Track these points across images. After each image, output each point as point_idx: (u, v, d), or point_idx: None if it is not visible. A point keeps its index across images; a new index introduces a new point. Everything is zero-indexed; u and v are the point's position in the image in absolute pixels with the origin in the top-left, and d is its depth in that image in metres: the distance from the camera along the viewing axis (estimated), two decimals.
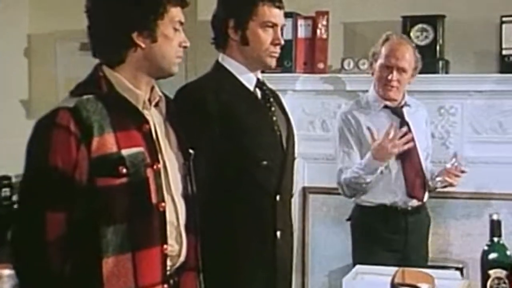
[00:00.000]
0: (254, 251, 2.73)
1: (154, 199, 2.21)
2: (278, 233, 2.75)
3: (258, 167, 2.72)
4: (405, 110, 3.82)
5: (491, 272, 2.36)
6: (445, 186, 3.81)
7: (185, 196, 2.33)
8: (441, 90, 4.55)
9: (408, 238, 3.72)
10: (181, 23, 2.29)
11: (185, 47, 2.30)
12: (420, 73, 4.55)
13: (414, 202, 3.77)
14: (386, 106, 3.79)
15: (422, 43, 4.60)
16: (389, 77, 3.72)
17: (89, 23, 2.27)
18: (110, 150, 2.15)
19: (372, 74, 3.85)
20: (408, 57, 3.75)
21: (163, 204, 2.22)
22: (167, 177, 2.27)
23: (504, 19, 4.49)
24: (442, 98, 4.58)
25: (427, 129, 3.98)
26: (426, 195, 3.86)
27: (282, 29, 2.82)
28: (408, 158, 3.72)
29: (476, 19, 4.63)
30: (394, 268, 2.85)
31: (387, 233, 3.70)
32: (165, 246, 2.22)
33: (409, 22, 4.62)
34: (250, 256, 2.73)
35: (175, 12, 2.26)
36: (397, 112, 3.79)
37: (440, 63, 4.59)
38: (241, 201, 2.72)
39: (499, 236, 2.39)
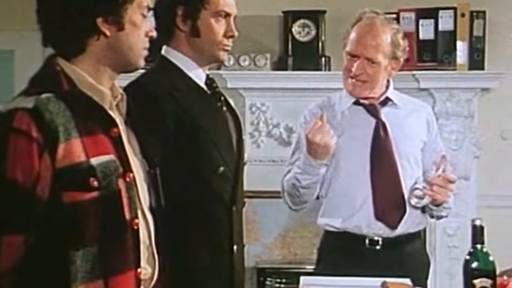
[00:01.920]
0: (210, 267, 2.45)
1: (127, 216, 1.89)
2: (235, 247, 2.49)
3: (214, 174, 2.44)
4: (384, 109, 3.01)
5: (476, 281, 2.22)
6: (436, 205, 2.94)
7: (151, 209, 2.02)
8: (324, 87, 4.42)
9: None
10: (149, 9, 1.97)
11: (151, 36, 1.99)
12: (302, 70, 4.51)
13: (387, 231, 2.93)
14: (358, 103, 3.01)
15: (304, 39, 4.50)
16: (353, 69, 2.93)
17: (40, 4, 1.91)
18: (78, 159, 1.81)
19: None
20: (381, 44, 2.92)
21: (136, 221, 1.91)
22: (137, 189, 1.94)
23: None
24: (326, 95, 4.44)
25: (426, 132, 3.07)
26: (419, 223, 3.00)
27: (235, 20, 2.55)
28: (379, 167, 2.93)
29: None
30: (342, 278, 2.68)
31: (356, 271, 2.65)
32: (139, 269, 1.91)
33: (290, 18, 4.50)
34: (206, 273, 2.45)
35: None
36: (370, 110, 3.00)
37: (323, 59, 4.49)
38: (195, 211, 2.43)
39: (482, 243, 2.24)
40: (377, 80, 2.98)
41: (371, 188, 2.92)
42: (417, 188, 2.91)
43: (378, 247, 2.92)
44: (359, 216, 2.93)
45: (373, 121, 2.99)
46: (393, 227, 2.92)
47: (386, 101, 3.03)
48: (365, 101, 3.01)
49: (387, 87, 3.05)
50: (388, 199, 2.93)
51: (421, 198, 2.89)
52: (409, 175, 2.95)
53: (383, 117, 2.99)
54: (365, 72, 2.94)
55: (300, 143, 3.02)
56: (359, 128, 2.99)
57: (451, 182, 2.87)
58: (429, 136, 3.07)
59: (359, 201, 2.93)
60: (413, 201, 2.92)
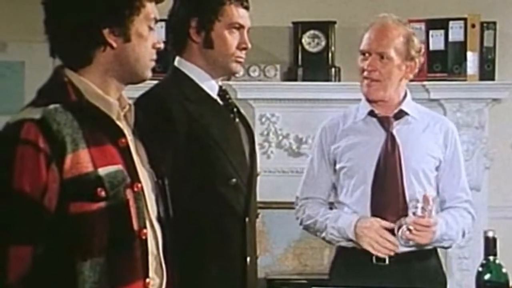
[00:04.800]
0: (222, 279, 2.44)
1: (135, 226, 1.89)
2: (248, 259, 2.48)
3: (226, 186, 2.44)
4: (398, 122, 2.92)
5: None
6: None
7: (159, 220, 2.02)
8: (334, 98, 4.43)
9: None
10: (156, 21, 1.98)
11: (158, 48, 1.99)
12: (312, 80, 4.50)
13: None
14: (373, 114, 2.93)
15: (314, 50, 4.50)
16: (364, 66, 2.86)
17: (47, 16, 1.91)
18: (86, 169, 1.82)
19: None
20: (392, 41, 2.84)
21: (144, 231, 1.91)
22: (145, 199, 1.95)
23: None
24: (336, 106, 4.45)
25: (442, 150, 2.94)
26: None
27: (248, 32, 2.56)
28: (382, 182, 2.86)
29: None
30: None
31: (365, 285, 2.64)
32: (147, 280, 1.91)
33: (300, 28, 4.50)
34: (217, 285, 2.44)
35: (151, 8, 1.95)
36: (383, 122, 2.91)
37: (333, 70, 4.48)
38: (207, 222, 2.43)
39: (495, 254, 2.23)
40: (390, 79, 2.86)
41: (370, 201, 2.86)
42: (400, 227, 2.78)
43: (386, 263, 2.84)
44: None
45: (383, 134, 2.90)
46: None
47: (401, 114, 2.93)
48: (380, 113, 2.92)
49: (404, 99, 2.95)
50: (387, 214, 2.84)
51: (405, 239, 2.78)
52: (418, 192, 2.85)
53: (394, 131, 2.91)
54: (377, 69, 2.85)
55: (313, 169, 3.00)
56: (370, 140, 2.91)
57: (428, 227, 2.75)
58: (446, 155, 2.95)
59: (358, 214, 2.87)
60: (400, 240, 2.81)
